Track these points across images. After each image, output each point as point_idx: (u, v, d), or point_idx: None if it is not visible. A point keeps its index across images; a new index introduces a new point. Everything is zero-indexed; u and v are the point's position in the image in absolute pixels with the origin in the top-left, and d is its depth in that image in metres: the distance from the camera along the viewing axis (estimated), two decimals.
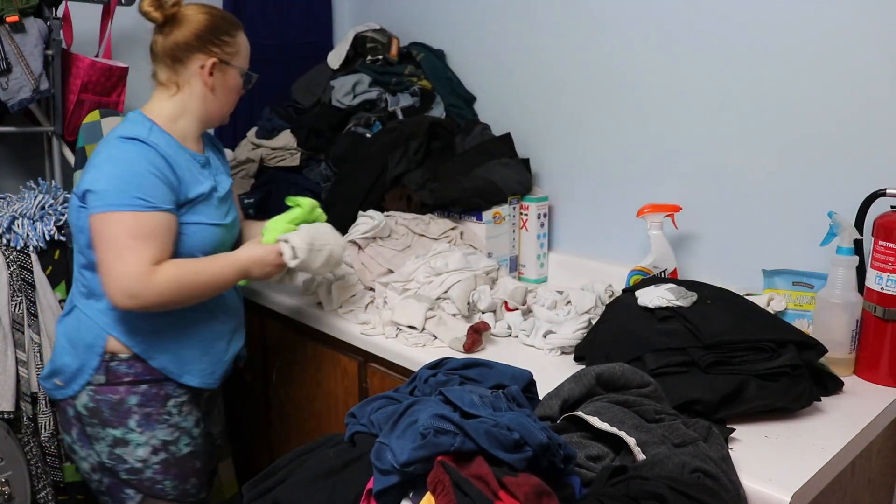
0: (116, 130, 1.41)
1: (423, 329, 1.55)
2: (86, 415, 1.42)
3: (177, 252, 1.39)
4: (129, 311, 1.35)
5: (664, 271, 1.64)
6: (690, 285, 1.41)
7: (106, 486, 1.46)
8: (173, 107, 1.47)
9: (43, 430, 1.69)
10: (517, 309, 1.62)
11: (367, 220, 1.80)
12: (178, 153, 1.43)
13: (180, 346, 1.45)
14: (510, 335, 1.57)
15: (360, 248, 1.80)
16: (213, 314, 1.49)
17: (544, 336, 1.50)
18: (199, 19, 1.46)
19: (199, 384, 1.48)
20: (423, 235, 1.82)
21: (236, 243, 1.57)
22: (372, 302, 1.71)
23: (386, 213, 1.89)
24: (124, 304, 1.32)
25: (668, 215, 1.68)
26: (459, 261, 1.65)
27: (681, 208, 1.69)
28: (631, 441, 0.97)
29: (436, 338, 1.54)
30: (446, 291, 1.60)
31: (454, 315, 1.56)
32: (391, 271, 1.74)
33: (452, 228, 1.84)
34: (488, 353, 1.48)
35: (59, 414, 1.54)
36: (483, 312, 1.60)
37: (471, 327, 1.50)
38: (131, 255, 1.30)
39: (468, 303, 1.57)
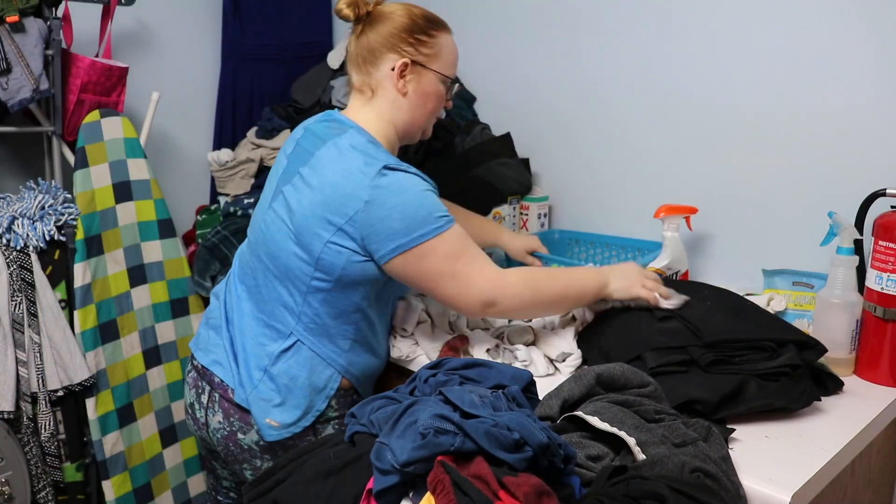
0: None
1: (412, 333, 1.50)
2: None
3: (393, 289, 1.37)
4: (361, 353, 1.36)
5: (677, 273, 1.61)
6: (690, 286, 1.41)
7: None
8: (372, 114, 1.36)
9: (43, 430, 1.69)
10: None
11: None
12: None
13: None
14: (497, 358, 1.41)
15: None
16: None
17: (562, 360, 1.38)
18: (393, 18, 1.34)
19: None
20: None
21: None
22: None
23: None
24: (483, 314, 1.30)
25: (684, 217, 1.62)
26: None
27: (697, 210, 1.64)
28: (631, 441, 0.97)
29: (417, 344, 1.48)
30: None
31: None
32: None
33: None
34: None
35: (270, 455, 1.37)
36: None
37: (445, 344, 1.42)
38: (470, 270, 1.27)
39: (448, 322, 1.51)
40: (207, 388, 1.39)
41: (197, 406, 1.41)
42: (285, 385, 1.32)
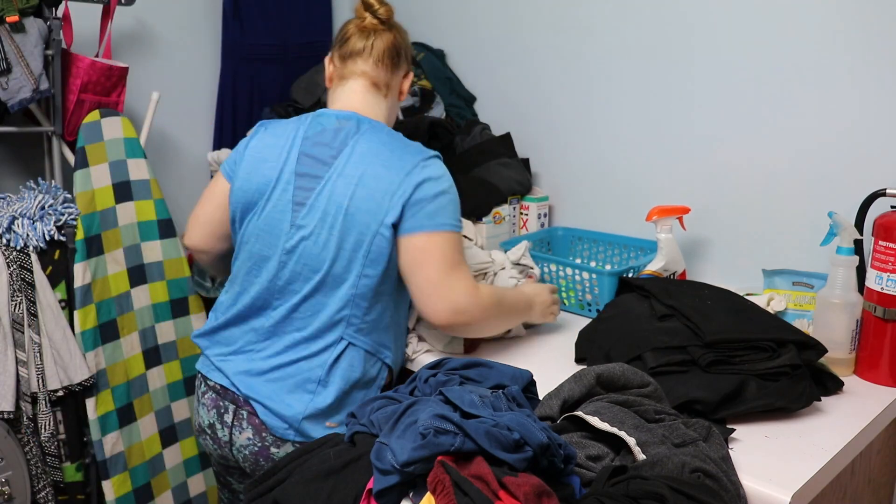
0: (406, 145, 1.35)
1: (413, 329, 1.51)
2: None
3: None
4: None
5: (673, 273, 1.60)
6: (691, 286, 1.41)
7: None
8: (383, 109, 1.43)
9: (43, 430, 1.69)
10: None
11: None
12: None
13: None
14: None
15: None
16: None
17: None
18: (401, 28, 1.46)
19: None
20: None
21: None
22: None
23: None
24: (450, 320, 1.30)
25: (677, 217, 1.61)
26: None
27: (689, 209, 1.63)
28: (631, 441, 0.97)
29: (421, 339, 1.49)
30: None
31: None
32: None
33: None
34: (488, 354, 1.48)
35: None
36: None
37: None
38: (462, 272, 1.31)
39: None
40: (231, 406, 1.39)
41: (219, 426, 1.41)
42: (342, 390, 1.33)
